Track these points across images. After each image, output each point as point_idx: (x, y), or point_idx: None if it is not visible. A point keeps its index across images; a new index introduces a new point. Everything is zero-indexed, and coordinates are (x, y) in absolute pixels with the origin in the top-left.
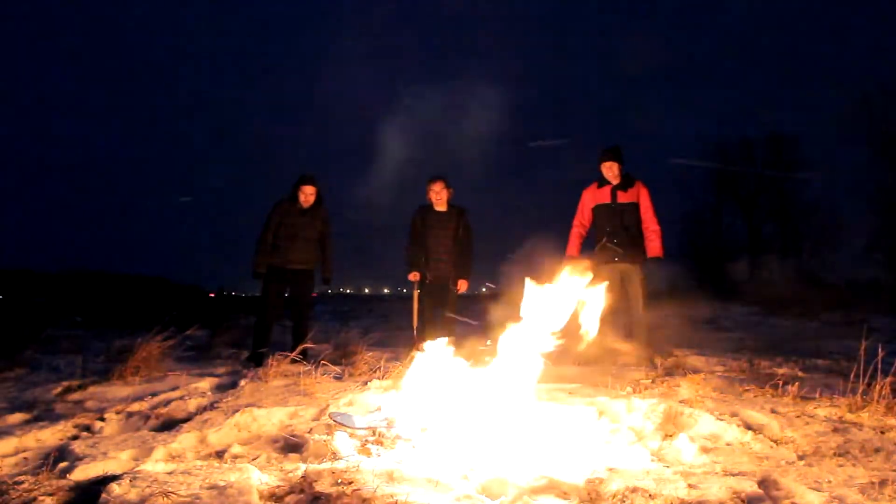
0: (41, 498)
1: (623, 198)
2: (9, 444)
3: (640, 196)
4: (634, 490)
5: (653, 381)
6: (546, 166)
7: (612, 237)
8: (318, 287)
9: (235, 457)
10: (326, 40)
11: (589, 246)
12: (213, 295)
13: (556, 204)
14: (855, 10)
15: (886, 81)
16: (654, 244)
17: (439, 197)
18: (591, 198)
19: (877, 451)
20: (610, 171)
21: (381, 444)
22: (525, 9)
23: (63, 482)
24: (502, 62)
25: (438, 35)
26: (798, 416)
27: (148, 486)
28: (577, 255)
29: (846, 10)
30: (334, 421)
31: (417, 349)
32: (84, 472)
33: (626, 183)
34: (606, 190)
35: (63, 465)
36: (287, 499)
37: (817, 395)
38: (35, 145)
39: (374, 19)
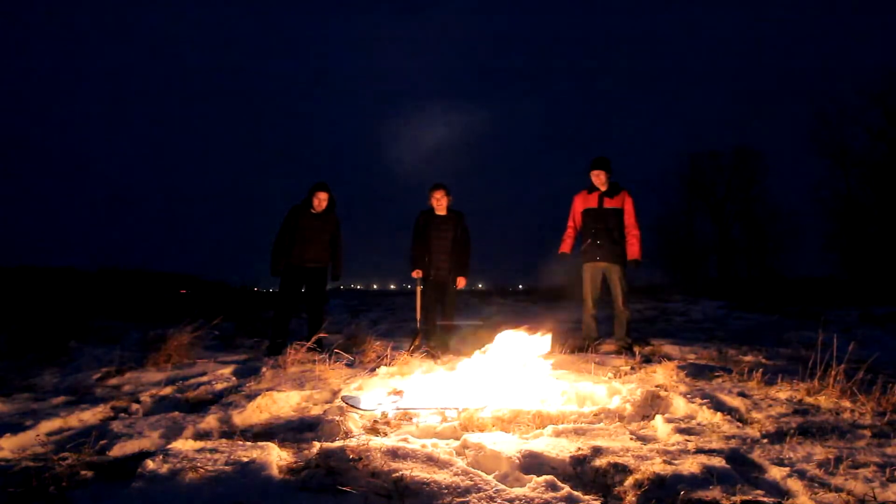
0: (83, 472)
1: (609, 203)
2: (54, 423)
3: (625, 203)
4: (616, 466)
5: (632, 368)
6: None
7: (597, 238)
8: (330, 283)
9: (257, 435)
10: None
11: (577, 246)
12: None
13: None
14: (815, 36)
15: (841, 100)
16: (633, 248)
17: (440, 203)
18: (581, 202)
19: (833, 430)
20: (598, 178)
21: (388, 424)
22: (508, 25)
23: (102, 458)
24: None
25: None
26: (762, 399)
27: (178, 462)
28: (569, 253)
29: (808, 36)
30: (346, 403)
31: (419, 339)
32: (121, 449)
33: (612, 190)
34: (595, 196)
35: (102, 442)
36: (303, 473)
37: (779, 381)
38: (79, 156)
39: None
